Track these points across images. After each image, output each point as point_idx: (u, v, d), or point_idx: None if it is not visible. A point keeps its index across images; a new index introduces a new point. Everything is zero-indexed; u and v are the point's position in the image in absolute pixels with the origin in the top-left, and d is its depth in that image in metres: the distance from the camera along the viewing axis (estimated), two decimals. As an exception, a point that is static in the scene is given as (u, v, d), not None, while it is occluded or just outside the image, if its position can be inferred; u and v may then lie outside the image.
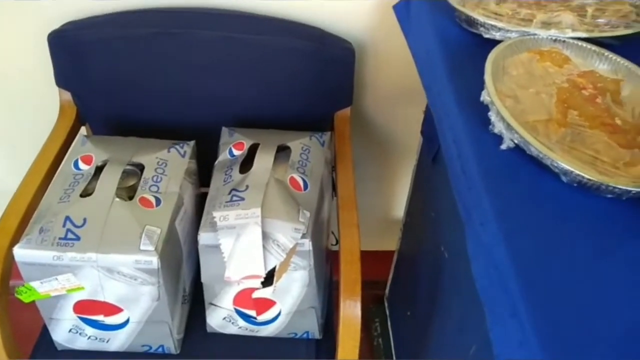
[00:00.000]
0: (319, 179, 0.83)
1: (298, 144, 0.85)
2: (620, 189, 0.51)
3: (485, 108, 0.61)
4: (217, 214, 0.72)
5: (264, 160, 0.80)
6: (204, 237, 0.74)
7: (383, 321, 1.39)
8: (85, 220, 0.73)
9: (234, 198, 0.73)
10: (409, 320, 1.18)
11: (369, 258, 1.52)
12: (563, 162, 0.53)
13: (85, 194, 0.78)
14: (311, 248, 0.75)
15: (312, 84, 0.95)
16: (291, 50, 0.92)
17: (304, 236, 0.73)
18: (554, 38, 0.69)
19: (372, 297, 1.45)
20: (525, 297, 0.46)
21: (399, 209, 1.29)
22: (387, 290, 1.40)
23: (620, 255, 0.50)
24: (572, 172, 0.53)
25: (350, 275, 0.76)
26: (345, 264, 0.78)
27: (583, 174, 0.52)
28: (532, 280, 0.47)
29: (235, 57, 0.92)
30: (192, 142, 0.88)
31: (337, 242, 1.17)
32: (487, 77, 0.63)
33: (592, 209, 0.53)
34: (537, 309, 0.45)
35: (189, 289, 0.87)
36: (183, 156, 0.85)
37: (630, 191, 0.51)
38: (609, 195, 0.53)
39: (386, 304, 1.40)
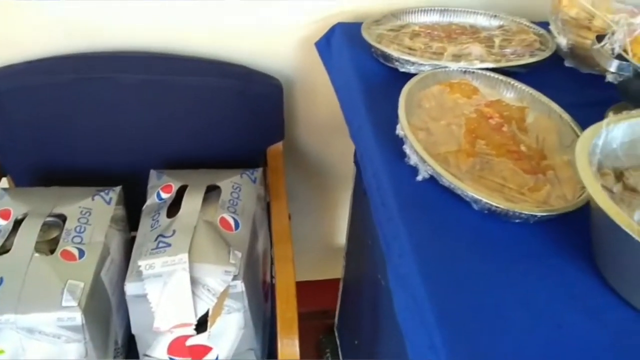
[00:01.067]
0: (250, 217, 0.82)
1: (228, 182, 0.85)
2: (525, 214, 0.54)
3: (401, 141, 0.63)
4: (142, 263, 0.70)
5: (192, 202, 0.79)
6: (130, 287, 0.72)
7: (334, 351, 1.37)
8: (1, 279, 0.69)
9: (160, 244, 0.72)
10: (357, 349, 1.18)
11: (317, 287, 1.52)
12: (472, 192, 0.55)
13: (3, 250, 0.74)
14: (244, 289, 0.74)
15: (241, 121, 0.96)
16: (217, 89, 0.92)
17: (235, 278, 0.72)
18: (463, 70, 0.73)
19: (322, 327, 1.43)
20: (441, 329, 0.47)
21: (343, 237, 1.30)
22: (336, 319, 1.39)
23: (531, 278, 0.51)
24: (481, 200, 0.55)
25: (286, 313, 0.76)
26: (281, 302, 0.77)
27: (491, 202, 0.54)
28: (447, 312, 0.48)
29: (159, 99, 0.91)
30: (118, 188, 0.86)
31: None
32: (401, 111, 0.65)
33: (503, 234, 0.55)
34: (452, 341, 0.46)
35: (122, 341, 0.84)
36: (109, 203, 0.83)
37: (536, 215, 0.54)
38: (517, 220, 0.55)
39: (336, 333, 1.39)
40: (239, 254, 0.74)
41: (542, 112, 0.67)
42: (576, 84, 0.78)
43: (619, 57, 0.63)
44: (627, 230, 0.42)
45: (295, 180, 1.19)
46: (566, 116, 0.65)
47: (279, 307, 0.76)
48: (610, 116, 0.53)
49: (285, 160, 1.10)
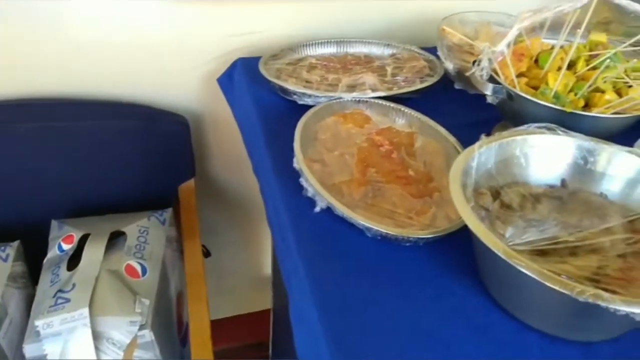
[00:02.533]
0: (159, 261, 0.80)
1: (134, 227, 0.82)
2: (413, 237, 0.56)
3: (299, 174, 0.64)
4: (39, 322, 0.66)
5: (93, 252, 0.75)
6: (29, 349, 0.67)
7: (271, 383, 1.35)
8: None
9: (59, 300, 0.68)
10: (291, 381, 1.16)
11: (251, 319, 1.50)
12: (362, 220, 0.56)
13: None
14: (154, 338, 0.71)
15: (149, 162, 0.94)
16: (120, 132, 0.90)
17: (143, 327, 0.70)
18: (357, 99, 0.75)
19: (259, 359, 1.41)
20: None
21: (269, 267, 1.29)
22: (270, 351, 1.37)
23: (422, 299, 0.53)
24: (371, 228, 0.56)
25: (201, 356, 0.74)
26: (196, 345, 0.75)
27: (380, 229, 0.56)
28: (342, 344, 0.49)
29: (59, 146, 0.88)
30: (15, 243, 0.81)
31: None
32: (296, 145, 0.66)
33: (396, 258, 0.57)
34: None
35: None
36: (5, 260, 0.78)
37: (423, 238, 0.56)
38: (408, 244, 0.57)
39: (272, 365, 1.37)
40: (147, 302, 0.72)
41: (429, 135, 0.71)
42: (465, 105, 0.82)
43: (494, 80, 0.68)
44: (493, 249, 0.44)
45: (214, 215, 1.17)
46: (452, 138, 0.69)
47: (193, 350, 0.74)
48: (483, 138, 0.57)
49: (202, 196, 1.09)
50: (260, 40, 0.95)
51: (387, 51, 0.91)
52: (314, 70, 0.83)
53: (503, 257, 0.43)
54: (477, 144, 0.56)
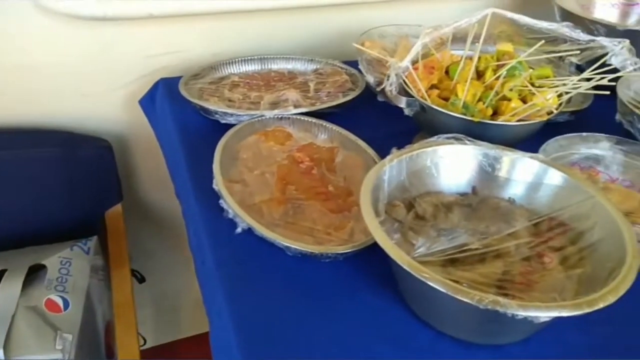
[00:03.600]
0: (83, 292, 0.77)
1: (56, 259, 0.79)
2: (331, 253, 0.56)
3: (219, 195, 0.63)
4: (-53, 370, 0.62)
5: (10, 288, 0.71)
6: (-63, 400, 0.63)
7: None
8: None
9: (-30, 344, 0.64)
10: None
11: (200, 341, 1.46)
12: (281, 240, 0.56)
13: None
14: (78, 374, 0.68)
15: (71, 189, 0.90)
16: (39, 160, 0.86)
17: (65, 364, 0.67)
18: (279, 116, 0.76)
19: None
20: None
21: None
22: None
23: (343, 314, 0.53)
24: (291, 247, 0.56)
25: (132, 389, 0.71)
26: (126, 378, 0.72)
27: (299, 248, 0.56)
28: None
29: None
30: None
31: (145, 341, 1.10)
32: (216, 165, 0.65)
33: (317, 275, 0.57)
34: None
35: None
36: None
37: (341, 253, 0.56)
38: (328, 260, 0.57)
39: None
40: (69, 337, 0.69)
41: (350, 149, 0.72)
42: (387, 117, 0.84)
43: (409, 93, 0.69)
44: (398, 261, 0.45)
45: (148, 237, 1.14)
46: (371, 151, 0.70)
47: (123, 385, 0.72)
48: (394, 152, 0.58)
49: (134, 219, 1.06)
50: (183, 60, 0.94)
51: (311, 66, 0.91)
52: (237, 89, 0.83)
53: (407, 269, 0.44)
54: (387, 158, 0.57)
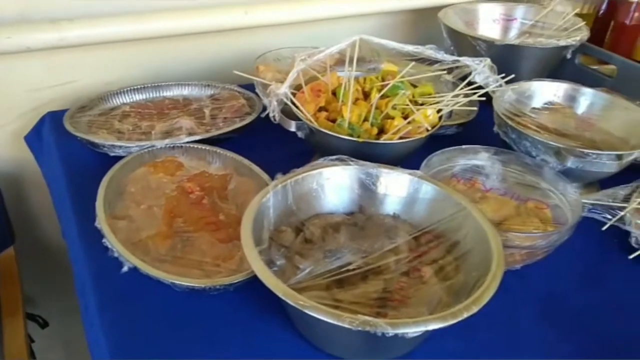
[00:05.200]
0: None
1: None
2: (221, 286, 0.55)
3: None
4: None
5: None
6: None
7: None
8: None
9: None
10: None
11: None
12: (166, 277, 0.55)
13: None
14: None
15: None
16: None
17: None
18: (171, 145, 0.74)
19: None
20: None
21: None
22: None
23: (235, 346, 0.53)
24: (176, 283, 0.55)
25: None
26: None
27: (185, 283, 0.54)
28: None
29: None
30: None
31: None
32: (99, 202, 0.63)
33: (208, 308, 0.56)
34: None
35: None
36: None
37: (231, 284, 0.56)
38: (216, 292, 0.56)
39: None
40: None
41: (245, 175, 0.71)
42: (284, 140, 0.83)
43: (297, 118, 0.70)
44: (273, 290, 0.45)
45: (50, 278, 1.08)
46: (265, 176, 0.70)
47: None
48: (279, 177, 0.58)
49: (33, 259, 1.00)
50: (74, 91, 0.90)
51: (207, 92, 0.91)
52: (127, 119, 0.80)
53: (282, 297, 0.44)
54: (271, 184, 0.57)
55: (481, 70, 0.62)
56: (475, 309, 0.44)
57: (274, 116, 0.64)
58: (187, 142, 0.74)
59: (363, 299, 0.49)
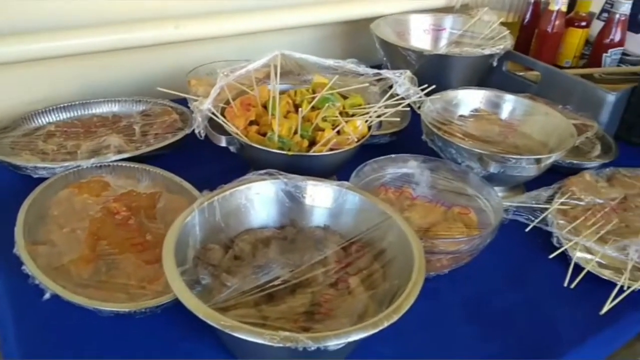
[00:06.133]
0: None
1: None
2: (146, 309, 0.54)
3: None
4: None
5: None
6: None
7: None
8: None
9: None
10: None
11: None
12: (89, 303, 0.53)
13: None
14: None
15: None
16: None
17: None
18: (98, 165, 0.72)
19: None
20: None
21: None
22: None
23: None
24: (100, 309, 0.53)
25: None
26: None
27: (109, 308, 0.53)
28: None
29: None
30: None
31: None
32: (18, 228, 0.60)
33: (135, 332, 0.55)
34: None
35: None
36: None
37: (157, 306, 0.54)
38: (143, 315, 0.55)
39: None
40: None
41: (175, 192, 0.70)
42: (218, 154, 0.81)
43: (227, 132, 0.70)
44: (193, 311, 0.44)
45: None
46: (196, 192, 0.69)
47: None
48: (204, 194, 0.58)
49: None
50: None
51: (138, 108, 0.89)
52: (52, 139, 0.78)
53: (202, 318, 0.44)
54: (196, 202, 0.56)
55: (402, 82, 0.63)
56: (395, 317, 0.45)
57: (199, 132, 0.63)
58: (115, 161, 0.72)
59: (290, 313, 0.49)
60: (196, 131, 0.64)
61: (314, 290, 0.52)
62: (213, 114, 0.63)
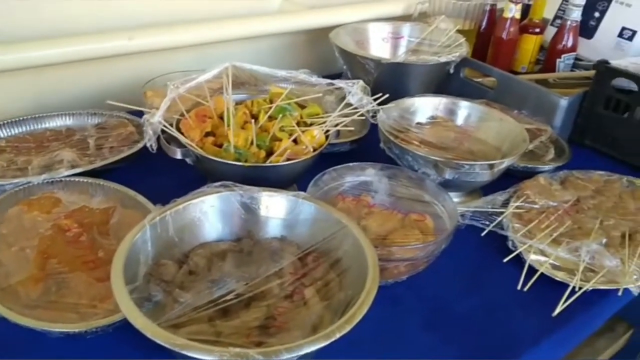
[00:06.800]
0: None
1: None
2: (97, 328, 0.52)
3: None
4: None
5: None
6: None
7: None
8: None
9: None
10: None
11: None
12: (36, 325, 0.51)
13: None
14: None
15: None
16: None
17: None
18: (50, 180, 0.70)
19: None
20: None
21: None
22: None
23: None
24: (49, 330, 0.51)
25: None
26: None
27: (59, 329, 0.51)
28: None
29: None
30: None
31: None
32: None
33: (89, 353, 0.53)
34: None
35: None
36: None
37: (109, 325, 0.53)
38: (93, 336, 0.53)
39: None
40: None
41: (130, 207, 0.69)
42: (176, 167, 0.80)
43: (182, 145, 0.69)
44: (141, 330, 0.43)
45: None
46: (151, 206, 0.68)
47: None
48: (156, 209, 0.57)
49: None
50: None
51: (93, 121, 0.87)
52: (2, 155, 0.75)
53: (150, 337, 0.43)
54: (148, 218, 0.55)
55: (355, 91, 0.64)
56: (348, 328, 0.45)
57: (150, 145, 0.62)
58: (68, 176, 0.71)
59: (243, 328, 0.49)
60: (147, 145, 0.63)
61: (269, 303, 0.52)
62: (165, 126, 0.62)
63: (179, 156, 0.69)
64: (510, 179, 0.80)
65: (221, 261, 0.58)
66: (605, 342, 1.31)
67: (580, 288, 0.63)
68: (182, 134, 0.70)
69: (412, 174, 0.72)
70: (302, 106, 0.76)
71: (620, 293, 0.63)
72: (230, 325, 0.50)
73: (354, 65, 0.98)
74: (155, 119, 0.60)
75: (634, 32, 1.06)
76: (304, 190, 0.64)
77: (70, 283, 0.57)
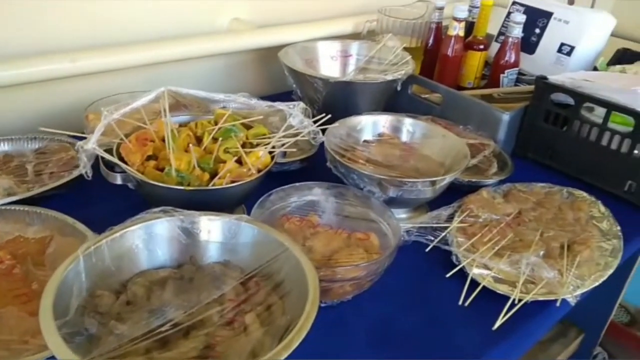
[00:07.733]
0: None
1: None
2: (28, 365, 0.50)
3: None
4: None
5: None
6: None
7: None
8: None
9: None
10: None
11: None
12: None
13: None
14: None
15: None
16: None
17: None
18: (-17, 210, 0.67)
19: None
20: None
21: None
22: None
23: None
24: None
25: None
26: None
27: (-17, 369, 0.49)
28: None
29: None
30: None
31: None
32: None
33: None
34: None
35: None
36: None
37: None
38: (26, 373, 0.51)
39: None
40: None
41: (69, 235, 0.67)
42: (121, 193, 0.78)
43: (122, 171, 0.67)
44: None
45: None
46: (90, 234, 0.66)
47: None
48: (91, 238, 0.55)
49: None
50: None
51: (33, 145, 0.84)
52: None
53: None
54: (81, 248, 0.54)
55: (295, 113, 0.64)
56: (285, 354, 0.44)
57: (85, 172, 0.61)
58: (2, 205, 0.68)
59: (185, 358, 0.48)
60: (82, 172, 0.61)
61: (207, 332, 0.51)
62: (99, 152, 0.61)
63: (119, 181, 0.68)
64: (456, 193, 0.82)
65: (161, 289, 0.56)
66: (559, 347, 1.35)
67: (520, 300, 0.65)
68: (122, 158, 0.68)
69: (358, 192, 0.72)
70: (248, 127, 0.76)
71: (558, 304, 0.65)
72: (167, 357, 0.48)
73: (303, 84, 0.99)
74: (89, 146, 0.58)
75: (572, 48, 1.11)
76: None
77: (1, 318, 0.54)
